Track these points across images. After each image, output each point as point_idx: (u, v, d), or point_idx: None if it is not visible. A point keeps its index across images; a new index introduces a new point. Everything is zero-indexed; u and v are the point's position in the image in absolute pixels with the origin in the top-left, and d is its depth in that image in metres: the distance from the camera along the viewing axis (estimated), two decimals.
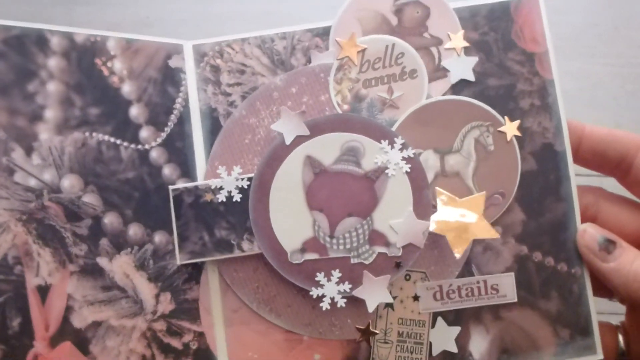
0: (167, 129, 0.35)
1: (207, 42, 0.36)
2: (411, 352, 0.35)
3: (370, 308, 0.32)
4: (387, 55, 0.35)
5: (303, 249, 0.33)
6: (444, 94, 0.35)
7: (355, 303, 0.34)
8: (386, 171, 0.33)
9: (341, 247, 0.33)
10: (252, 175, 0.34)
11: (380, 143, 0.33)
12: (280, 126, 0.34)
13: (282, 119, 0.34)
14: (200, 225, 0.34)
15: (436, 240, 0.34)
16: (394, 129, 0.34)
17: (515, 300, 0.34)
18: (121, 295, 0.32)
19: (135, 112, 0.34)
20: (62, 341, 0.31)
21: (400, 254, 0.33)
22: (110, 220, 0.32)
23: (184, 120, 0.35)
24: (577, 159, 0.35)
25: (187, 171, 0.35)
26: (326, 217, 0.33)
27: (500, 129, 0.35)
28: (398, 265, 0.33)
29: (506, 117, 0.34)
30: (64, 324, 0.31)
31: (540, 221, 0.35)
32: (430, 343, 0.35)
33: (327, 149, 0.33)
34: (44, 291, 0.31)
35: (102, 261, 0.32)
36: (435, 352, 0.35)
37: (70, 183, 0.31)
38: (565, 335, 0.35)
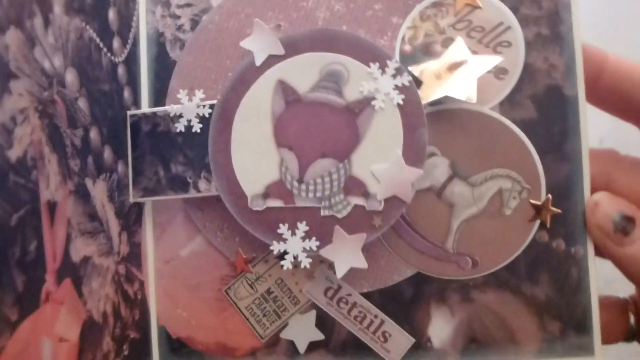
0: (127, 48, 0.30)
1: None
2: (264, 315, 0.31)
3: (340, 273, 0.27)
4: (492, 32, 0.29)
5: (266, 194, 0.28)
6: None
7: (257, 227, 0.30)
8: (373, 102, 0.28)
9: (310, 194, 0.28)
10: (214, 102, 0.29)
11: (369, 67, 0.28)
12: (251, 43, 0.29)
13: (253, 35, 0.28)
14: (156, 159, 0.29)
15: (373, 244, 0.30)
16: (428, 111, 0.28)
17: None
18: (101, 229, 0.27)
19: (112, 16, 0.29)
20: (64, 277, 0.25)
21: (380, 208, 0.27)
22: (94, 136, 0.27)
23: (136, 42, 0.31)
24: (592, 97, 0.29)
25: (136, 101, 0.31)
26: (296, 157, 0.28)
27: (533, 201, 0.29)
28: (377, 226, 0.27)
29: (549, 196, 0.29)
30: (66, 256, 0.26)
31: None
32: (287, 324, 0.31)
33: (304, 72, 0.28)
34: (52, 209, 0.25)
35: (89, 184, 0.27)
36: (283, 335, 0.31)
37: (71, 80, 0.26)
38: (554, 329, 0.30)
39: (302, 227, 0.28)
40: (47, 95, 0.24)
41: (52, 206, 0.24)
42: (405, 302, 0.30)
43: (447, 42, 0.29)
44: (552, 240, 0.29)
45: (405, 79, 0.27)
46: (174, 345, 0.31)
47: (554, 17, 0.29)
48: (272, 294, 0.31)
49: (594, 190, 0.29)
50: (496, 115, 0.29)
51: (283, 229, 0.28)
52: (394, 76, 0.28)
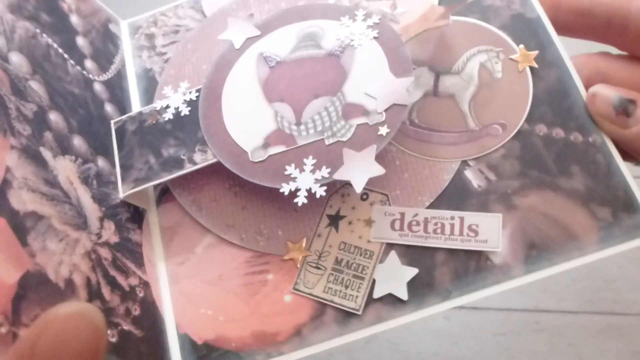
0: (109, 74, 0.34)
1: (141, 17, 0.38)
2: (346, 287, 0.29)
3: (359, 187, 0.27)
4: None
5: (266, 144, 0.30)
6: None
7: (293, 214, 0.30)
8: (351, 43, 0.31)
9: (311, 131, 0.29)
10: (200, 87, 0.32)
11: (340, 20, 0.32)
12: (229, 34, 0.32)
13: (228, 29, 0.33)
14: (145, 150, 0.31)
15: (410, 163, 0.31)
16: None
17: (499, 249, 0.29)
18: (64, 199, 0.27)
19: (82, 42, 0.34)
20: None
21: (384, 118, 0.29)
22: (56, 118, 0.29)
23: (122, 76, 0.35)
24: (559, 28, 0.33)
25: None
26: (289, 105, 0.30)
27: (512, 57, 0.33)
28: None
29: (522, 46, 0.33)
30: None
31: (534, 92, 0.32)
32: (374, 281, 0.29)
33: (282, 42, 0.32)
34: None
35: (46, 154, 0.27)
36: (377, 294, 0.29)
37: (18, 61, 0.28)
38: (605, 216, 0.29)
39: (309, 161, 0.29)
40: None
41: None
42: (470, 193, 0.30)
43: None
44: (568, 134, 0.31)
45: (374, 19, 0.31)
46: (201, 352, 0.29)
47: None
48: (342, 261, 0.29)
49: None
50: (454, 18, 0.34)
51: (290, 169, 0.29)
52: (364, 20, 0.32)
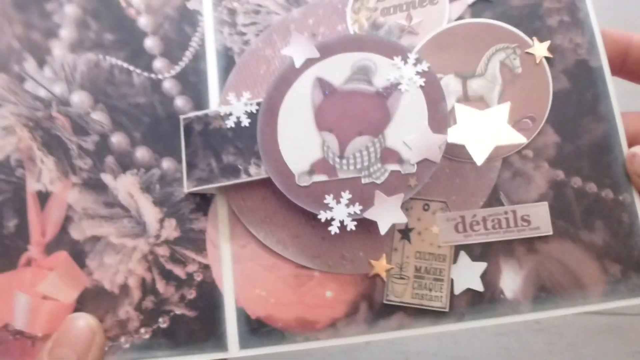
0: (182, 64, 0.38)
1: None
2: (430, 290, 0.34)
3: (383, 230, 0.32)
4: None
5: (311, 171, 0.34)
6: (460, 16, 0.36)
7: (369, 235, 0.34)
8: (399, 87, 0.34)
9: (351, 167, 0.34)
10: (261, 100, 0.35)
11: (393, 60, 0.35)
12: (291, 50, 0.35)
13: (292, 44, 0.36)
14: (208, 152, 0.36)
15: (458, 168, 0.35)
16: (415, 50, 0.36)
17: (550, 232, 0.33)
18: (123, 214, 0.34)
19: (150, 43, 0.38)
20: (57, 250, 0.33)
21: (414, 170, 0.33)
22: (118, 139, 0.35)
23: (199, 57, 0.39)
24: (625, 73, 0.35)
25: (200, 105, 0.38)
26: (336, 137, 0.34)
27: (528, 50, 0.35)
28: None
29: (534, 38, 0.35)
30: (61, 233, 0.33)
31: (578, 144, 0.34)
32: (452, 280, 0.34)
33: (338, 69, 0.35)
34: (43, 197, 0.34)
35: (106, 178, 0.34)
36: (457, 291, 0.34)
37: (80, 99, 0.35)
38: (615, 272, 0.32)
39: (346, 195, 0.33)
40: (43, 115, 0.35)
41: (43, 195, 0.34)
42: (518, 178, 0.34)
43: (384, 12, 0.37)
44: (600, 190, 0.33)
45: (424, 66, 0.34)
46: (254, 325, 0.35)
47: (571, 7, 0.36)
48: (421, 268, 0.35)
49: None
50: (467, 20, 0.36)
51: (329, 199, 0.33)
52: (415, 65, 0.34)
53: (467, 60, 0.35)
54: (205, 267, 0.35)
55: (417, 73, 0.34)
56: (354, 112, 0.34)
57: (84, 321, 0.31)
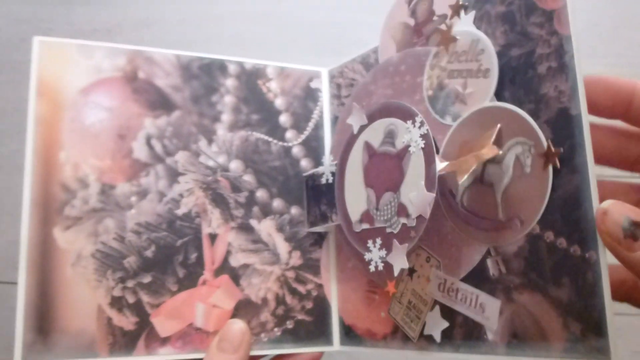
0: (306, 132, 0.55)
1: (335, 67, 0.57)
2: (411, 321, 0.45)
3: (395, 272, 0.45)
4: (471, 49, 0.44)
5: (361, 220, 0.47)
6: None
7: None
8: (409, 148, 0.44)
9: (381, 218, 0.47)
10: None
11: (407, 123, 0.45)
12: (351, 119, 0.46)
13: (352, 114, 0.46)
14: (315, 202, 0.55)
15: (457, 238, 0.43)
16: (455, 124, 0.43)
17: (494, 328, 0.39)
18: (264, 248, 0.52)
19: (284, 119, 0.54)
20: (222, 273, 0.56)
21: (414, 224, 0.43)
22: (261, 194, 0.53)
23: (318, 126, 0.58)
24: (629, 119, 0.37)
25: (318, 165, 0.57)
26: (374, 192, 0.47)
27: (540, 152, 0.38)
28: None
29: (549, 141, 0.37)
30: (224, 262, 0.57)
31: (553, 196, 0.38)
32: (425, 323, 0.44)
33: (376, 133, 0.49)
34: (213, 237, 0.57)
35: (253, 222, 0.54)
36: (426, 332, 0.44)
37: (235, 165, 0.54)
38: (576, 331, 0.36)
39: (378, 241, 0.47)
40: (212, 179, 0.55)
41: (213, 236, 0.54)
42: (487, 277, 0.41)
43: (451, 74, 0.43)
44: (569, 246, 0.36)
45: (424, 128, 0.43)
46: (347, 330, 0.54)
47: (559, 50, 0.38)
48: (411, 302, 0.49)
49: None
50: (502, 105, 0.39)
51: (369, 243, 0.47)
52: (419, 127, 0.44)
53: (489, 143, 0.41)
54: (319, 286, 0.55)
55: (421, 135, 0.44)
56: (384, 172, 0.47)
57: (239, 324, 0.52)
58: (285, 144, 0.56)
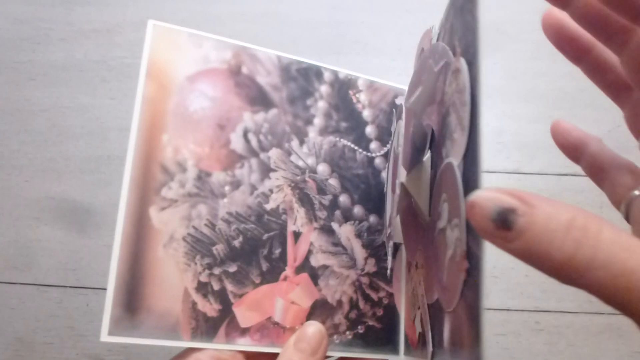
0: (388, 146, 0.56)
1: None
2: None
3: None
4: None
5: None
6: None
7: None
8: None
9: None
10: None
11: None
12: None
13: None
14: (386, 214, 0.53)
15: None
16: None
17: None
18: (343, 252, 0.54)
19: (369, 130, 0.56)
20: (302, 272, 0.57)
21: None
22: (344, 199, 0.54)
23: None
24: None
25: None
26: None
27: None
28: None
29: None
30: (305, 261, 0.58)
31: None
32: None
33: None
34: (297, 235, 0.58)
35: (335, 225, 0.55)
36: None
37: (323, 169, 0.55)
38: None
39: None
40: (300, 179, 0.57)
41: (297, 234, 0.55)
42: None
43: None
44: None
45: None
46: (405, 339, 0.55)
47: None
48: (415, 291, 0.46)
49: None
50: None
51: None
52: None
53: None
54: (390, 295, 0.56)
55: None
56: None
57: (318, 327, 0.54)
58: (369, 154, 0.59)
